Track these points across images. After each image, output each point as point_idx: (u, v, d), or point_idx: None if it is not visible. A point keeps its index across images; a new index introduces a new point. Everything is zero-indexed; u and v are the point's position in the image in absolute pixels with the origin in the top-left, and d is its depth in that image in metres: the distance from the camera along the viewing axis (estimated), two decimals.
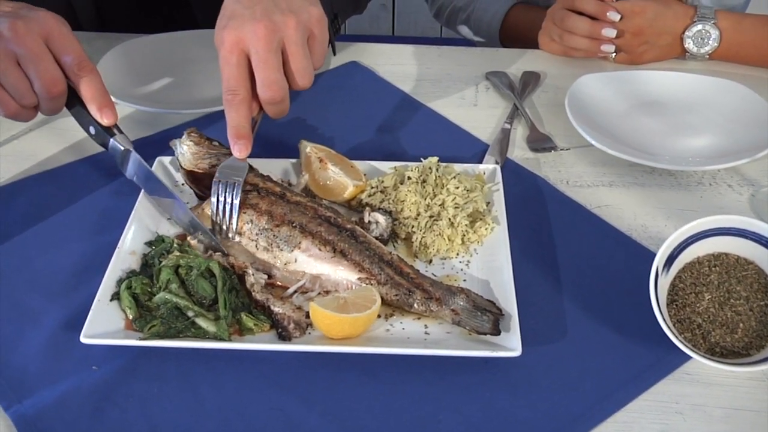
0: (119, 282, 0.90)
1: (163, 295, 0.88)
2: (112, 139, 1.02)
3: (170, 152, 1.07)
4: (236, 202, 0.96)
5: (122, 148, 1.01)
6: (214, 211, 0.97)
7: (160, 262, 0.93)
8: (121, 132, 1.03)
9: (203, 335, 0.86)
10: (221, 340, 0.86)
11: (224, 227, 0.97)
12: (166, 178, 1.08)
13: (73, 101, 1.02)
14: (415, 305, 0.90)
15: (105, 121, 1.00)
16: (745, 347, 0.86)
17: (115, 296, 0.89)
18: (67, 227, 1.04)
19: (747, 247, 0.91)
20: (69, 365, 0.86)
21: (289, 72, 0.99)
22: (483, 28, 1.68)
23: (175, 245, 0.95)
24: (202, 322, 0.87)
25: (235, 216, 0.96)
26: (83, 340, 0.84)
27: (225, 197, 0.96)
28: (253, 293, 0.91)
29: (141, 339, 0.85)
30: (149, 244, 0.97)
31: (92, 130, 1.03)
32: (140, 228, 0.99)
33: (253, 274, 0.92)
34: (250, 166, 1.01)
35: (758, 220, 0.90)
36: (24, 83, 0.97)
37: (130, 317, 0.88)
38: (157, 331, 0.86)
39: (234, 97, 0.97)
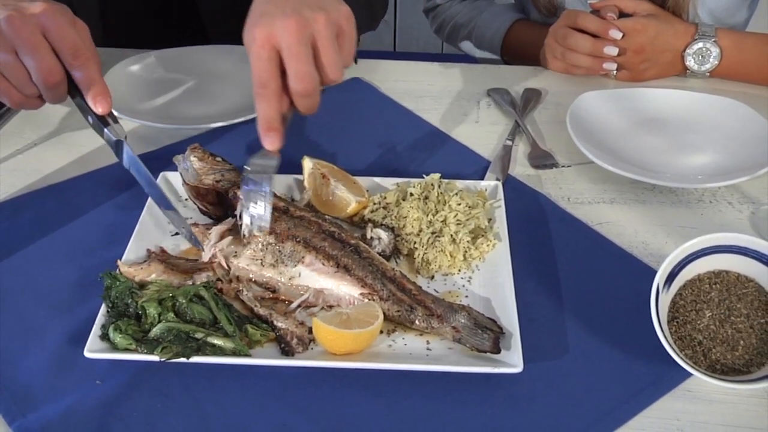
0: (103, 327, 0.88)
1: (164, 324, 0.87)
2: (106, 130, 1.01)
3: (174, 167, 1.07)
4: (269, 195, 0.95)
5: (114, 138, 1.01)
6: (245, 204, 0.95)
7: (135, 301, 0.90)
8: (116, 121, 1.02)
9: (222, 352, 0.86)
10: (242, 355, 0.86)
11: (256, 221, 0.95)
12: (171, 193, 1.09)
13: (74, 91, 1.02)
14: (417, 322, 0.90)
15: (99, 110, 1.01)
16: (745, 364, 0.87)
17: (105, 338, 0.88)
18: (71, 242, 1.04)
19: (747, 265, 0.91)
20: (73, 380, 0.86)
21: (320, 66, 0.99)
22: (485, 44, 1.69)
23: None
24: (215, 341, 0.87)
25: (268, 209, 0.95)
26: (87, 354, 0.85)
27: (256, 190, 0.95)
28: (255, 308, 0.91)
29: (161, 357, 0.85)
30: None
31: (90, 119, 1.03)
32: (142, 243, 1.00)
33: (246, 292, 0.92)
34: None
35: (758, 238, 0.90)
36: (23, 74, 0.99)
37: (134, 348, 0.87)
38: (175, 350, 0.85)
39: (265, 89, 0.97)
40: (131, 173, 1.02)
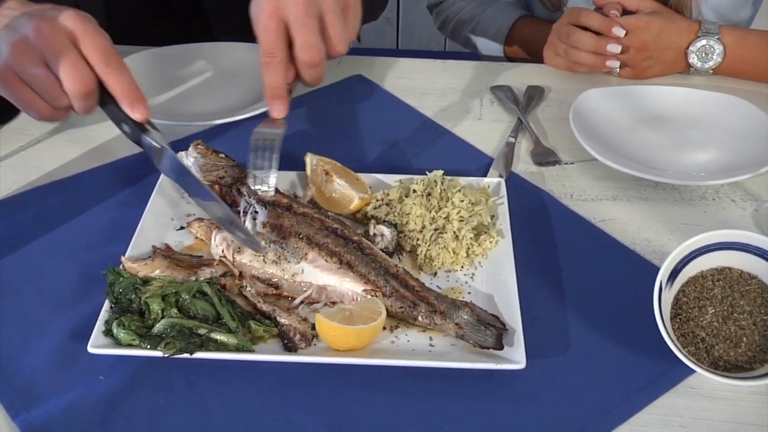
0: (106, 323, 0.88)
1: (167, 320, 0.87)
2: (146, 136, 0.98)
3: None
4: (275, 162, 0.97)
5: (157, 145, 0.98)
6: (252, 173, 0.98)
7: (138, 297, 0.90)
8: (155, 128, 0.99)
9: (225, 348, 0.86)
10: (246, 350, 0.86)
11: (261, 188, 0.98)
12: (174, 189, 1.09)
13: (105, 98, 0.98)
14: (420, 318, 0.90)
15: (137, 116, 0.97)
16: (748, 361, 0.87)
17: (108, 334, 0.88)
18: (74, 238, 1.05)
19: (750, 262, 0.91)
20: (76, 375, 0.86)
21: (327, 38, 1.01)
22: (488, 41, 1.69)
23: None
24: (219, 336, 0.87)
25: (273, 177, 0.97)
26: (90, 350, 0.85)
27: (263, 156, 0.97)
28: (258, 305, 0.91)
29: (165, 353, 0.85)
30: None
31: (125, 127, 0.99)
32: (145, 239, 1.00)
33: (249, 288, 0.93)
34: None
35: (761, 235, 0.90)
36: (54, 84, 0.95)
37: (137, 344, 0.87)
38: (178, 346, 0.85)
39: (272, 59, 0.99)
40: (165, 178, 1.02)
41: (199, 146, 1.06)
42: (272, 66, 0.99)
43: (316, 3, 0.99)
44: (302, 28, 0.98)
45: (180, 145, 1.18)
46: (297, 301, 0.93)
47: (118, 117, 0.99)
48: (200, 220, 1.02)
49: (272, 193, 0.98)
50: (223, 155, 1.06)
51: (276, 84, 1.00)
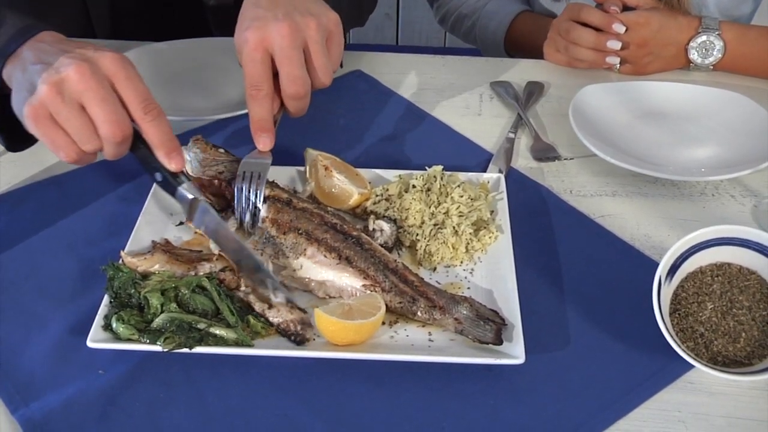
0: (106, 318, 0.88)
1: (166, 315, 0.87)
2: (179, 188, 0.97)
3: None
4: (261, 194, 0.98)
5: (191, 197, 0.97)
6: (237, 204, 0.98)
7: (137, 291, 0.90)
8: (188, 179, 0.98)
9: (224, 343, 0.86)
10: (245, 345, 0.86)
11: (247, 220, 0.98)
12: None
13: (137, 144, 0.96)
14: (419, 313, 0.90)
15: (173, 167, 0.95)
16: (747, 357, 0.87)
17: (108, 328, 0.87)
18: (73, 233, 1.05)
19: (749, 257, 0.91)
20: (76, 369, 0.86)
21: (310, 70, 1.03)
22: (488, 35, 1.68)
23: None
24: (218, 331, 0.87)
25: (261, 207, 0.98)
26: (90, 344, 0.85)
27: (249, 190, 0.98)
28: (251, 304, 0.91)
29: (164, 347, 0.85)
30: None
31: (158, 176, 0.97)
32: (145, 234, 1.00)
33: (243, 288, 0.92)
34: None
35: (760, 231, 0.90)
36: (89, 128, 0.92)
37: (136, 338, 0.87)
38: (178, 341, 0.85)
39: (258, 92, 1.00)
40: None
41: (198, 141, 1.06)
42: (258, 99, 1.00)
43: (301, 34, 1.00)
44: (287, 61, 0.99)
45: (180, 140, 1.19)
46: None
47: (151, 165, 0.97)
48: None
49: (259, 224, 0.98)
50: (222, 150, 1.06)
51: (262, 117, 1.01)
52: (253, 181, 0.99)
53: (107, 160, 0.95)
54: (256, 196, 0.98)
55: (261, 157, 1.02)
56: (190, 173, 1.04)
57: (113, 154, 0.96)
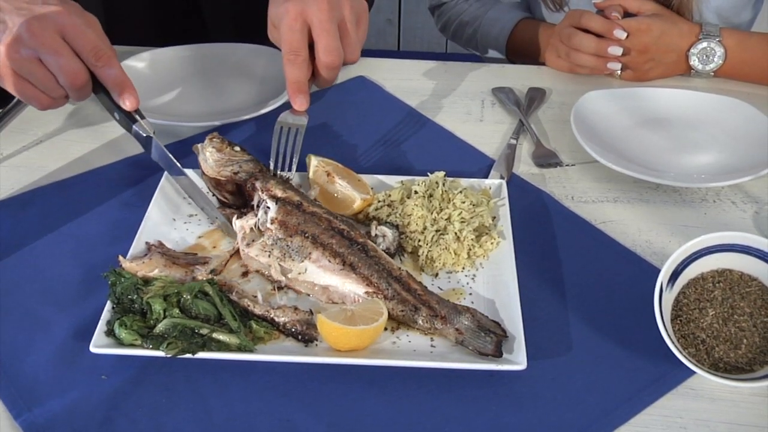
0: (108, 323, 0.88)
1: (169, 320, 0.88)
2: (134, 125, 1.06)
3: (189, 163, 1.09)
4: (298, 146, 1.08)
5: (144, 134, 1.07)
6: (274, 156, 1.07)
7: (140, 297, 0.90)
8: (143, 117, 1.07)
9: (227, 348, 0.87)
10: (247, 350, 0.87)
11: (285, 170, 1.07)
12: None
13: (98, 87, 1.06)
14: (420, 322, 0.90)
15: (127, 105, 1.05)
16: (748, 363, 0.87)
17: (110, 334, 0.88)
18: (77, 238, 1.05)
19: (750, 264, 0.92)
20: (78, 374, 0.86)
21: (344, 45, 1.10)
22: (490, 42, 1.69)
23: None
24: (220, 336, 0.87)
25: (295, 160, 1.07)
26: (93, 349, 0.85)
27: (286, 142, 1.07)
28: (249, 308, 0.91)
29: (167, 353, 0.85)
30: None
31: (116, 115, 1.07)
32: (147, 239, 1.00)
33: (235, 294, 0.93)
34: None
35: (762, 237, 0.90)
36: (50, 79, 1.02)
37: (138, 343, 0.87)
38: (180, 346, 0.85)
39: (296, 57, 1.07)
40: (159, 164, 1.09)
41: (214, 139, 1.05)
42: (296, 63, 1.07)
43: (338, 11, 1.07)
44: (325, 33, 1.06)
45: (183, 145, 1.19)
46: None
47: (110, 106, 1.06)
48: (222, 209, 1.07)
49: (293, 177, 1.06)
50: (238, 149, 1.05)
51: (299, 79, 1.08)
52: (290, 136, 1.08)
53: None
54: (292, 153, 1.07)
55: (298, 116, 1.10)
56: (205, 172, 1.04)
57: (77, 97, 1.06)
